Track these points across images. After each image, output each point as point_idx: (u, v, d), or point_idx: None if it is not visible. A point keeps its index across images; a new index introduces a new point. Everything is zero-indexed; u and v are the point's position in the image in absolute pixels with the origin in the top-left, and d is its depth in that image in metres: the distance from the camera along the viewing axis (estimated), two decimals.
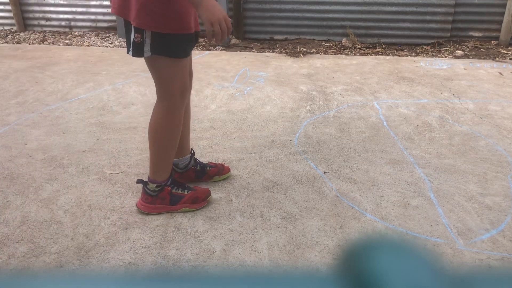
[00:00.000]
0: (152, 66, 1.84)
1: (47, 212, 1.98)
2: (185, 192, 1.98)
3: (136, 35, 1.77)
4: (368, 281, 0.24)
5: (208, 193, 2.03)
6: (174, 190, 1.97)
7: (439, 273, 0.25)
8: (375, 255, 0.26)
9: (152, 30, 1.75)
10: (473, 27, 4.87)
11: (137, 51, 1.79)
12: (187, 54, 1.85)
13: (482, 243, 1.77)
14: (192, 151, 2.18)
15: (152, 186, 1.94)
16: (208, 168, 2.17)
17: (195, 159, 2.20)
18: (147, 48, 1.78)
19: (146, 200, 1.96)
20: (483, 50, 4.68)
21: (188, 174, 2.15)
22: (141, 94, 3.41)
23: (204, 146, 2.58)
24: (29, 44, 5.16)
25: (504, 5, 4.69)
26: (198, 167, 2.16)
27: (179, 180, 2.09)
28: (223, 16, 1.63)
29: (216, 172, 2.19)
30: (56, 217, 1.94)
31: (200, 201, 1.99)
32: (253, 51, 4.77)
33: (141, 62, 4.38)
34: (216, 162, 2.28)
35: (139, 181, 2.00)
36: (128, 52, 1.84)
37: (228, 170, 2.24)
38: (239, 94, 3.38)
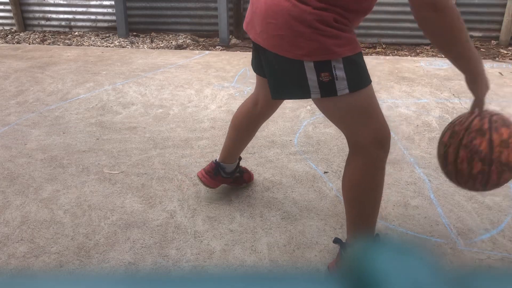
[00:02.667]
0: (343, 108, 1.35)
1: (47, 212, 1.98)
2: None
3: (322, 74, 1.27)
4: (369, 281, 0.24)
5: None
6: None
7: (439, 273, 0.25)
8: (375, 255, 0.26)
9: (346, 54, 1.27)
10: (473, 27, 4.87)
11: (328, 91, 1.31)
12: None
13: (482, 243, 1.77)
14: (240, 158, 2.04)
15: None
16: (244, 173, 2.11)
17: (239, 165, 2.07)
18: (341, 85, 1.29)
19: None
20: (483, 50, 4.68)
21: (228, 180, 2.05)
22: (141, 94, 3.41)
23: (204, 146, 2.58)
24: (29, 44, 5.16)
25: (504, 5, 4.69)
26: (238, 173, 2.07)
27: (217, 185, 2.01)
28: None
29: (248, 177, 2.13)
30: (56, 217, 1.94)
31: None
32: None
33: (141, 62, 4.38)
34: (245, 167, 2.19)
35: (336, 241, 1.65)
36: (306, 97, 1.34)
37: (252, 177, 2.19)
38: (239, 94, 3.38)
